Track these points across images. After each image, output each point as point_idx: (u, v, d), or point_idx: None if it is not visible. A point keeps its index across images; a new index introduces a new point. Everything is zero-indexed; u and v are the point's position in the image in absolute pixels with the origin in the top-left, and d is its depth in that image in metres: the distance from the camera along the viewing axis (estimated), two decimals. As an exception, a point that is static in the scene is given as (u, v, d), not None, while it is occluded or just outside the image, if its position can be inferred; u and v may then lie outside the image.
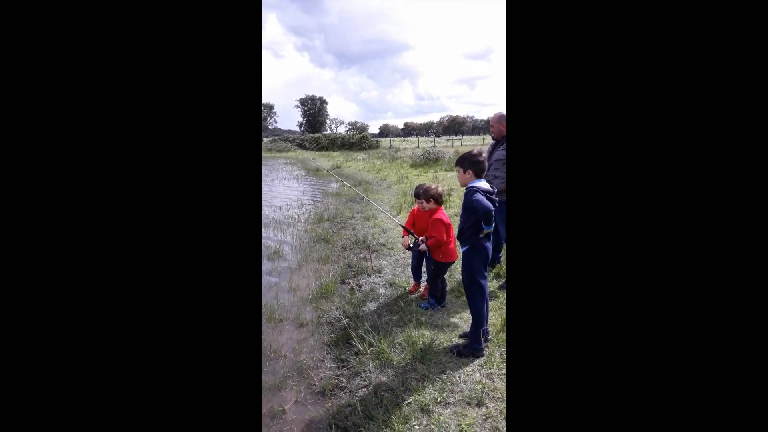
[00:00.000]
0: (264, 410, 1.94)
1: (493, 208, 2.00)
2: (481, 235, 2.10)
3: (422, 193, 2.77)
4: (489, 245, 2.17)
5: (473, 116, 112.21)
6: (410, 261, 3.19)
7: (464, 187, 2.15)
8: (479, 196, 2.01)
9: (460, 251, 2.30)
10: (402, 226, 3.05)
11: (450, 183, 8.57)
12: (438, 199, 2.74)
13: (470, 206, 2.05)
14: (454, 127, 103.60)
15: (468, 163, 2.10)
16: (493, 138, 3.21)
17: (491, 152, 3.13)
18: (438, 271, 2.77)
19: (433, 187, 2.78)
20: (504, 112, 3.02)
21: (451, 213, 5.07)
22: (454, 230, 2.61)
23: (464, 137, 60.32)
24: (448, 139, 50.82)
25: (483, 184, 2.09)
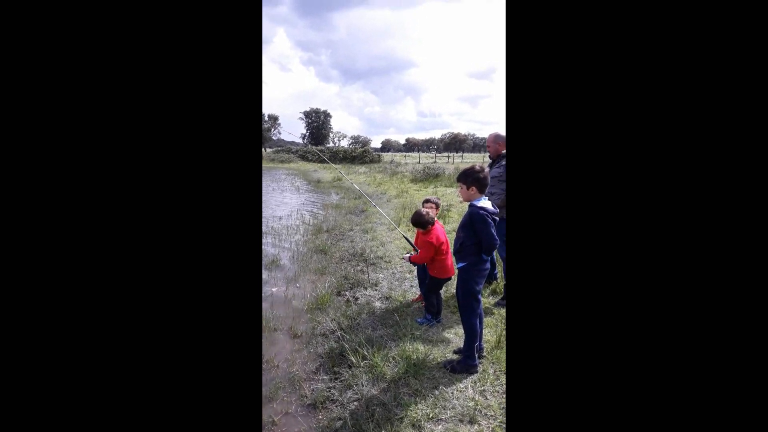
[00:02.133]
0: (254, 421, 1.92)
1: (498, 242, 2.07)
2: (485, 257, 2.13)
3: (421, 226, 2.76)
4: (488, 261, 2.18)
5: (474, 134, 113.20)
6: (407, 275, 3.21)
7: (466, 203, 2.16)
8: (490, 229, 2.03)
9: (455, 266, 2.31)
10: (405, 237, 3.20)
11: (449, 198, 8.61)
12: (430, 221, 2.75)
13: (474, 227, 2.06)
14: (455, 144, 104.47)
15: (472, 179, 2.08)
16: (489, 157, 3.31)
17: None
18: (433, 286, 2.77)
19: (423, 214, 2.76)
20: (499, 132, 3.19)
21: (449, 228, 5.09)
22: (452, 246, 2.61)
23: (465, 154, 60.78)
24: (449, 156, 51.18)
25: (487, 204, 2.10)
